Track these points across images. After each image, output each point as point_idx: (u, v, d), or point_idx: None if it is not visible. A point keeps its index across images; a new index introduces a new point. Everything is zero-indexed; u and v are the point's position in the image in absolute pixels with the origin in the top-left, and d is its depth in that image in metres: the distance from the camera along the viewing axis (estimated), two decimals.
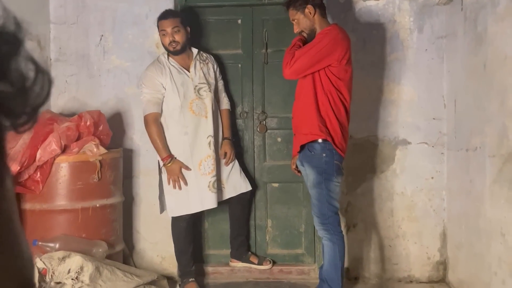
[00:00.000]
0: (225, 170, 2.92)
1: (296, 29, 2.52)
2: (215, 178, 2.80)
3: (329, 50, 2.36)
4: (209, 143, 2.80)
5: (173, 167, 2.74)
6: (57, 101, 3.15)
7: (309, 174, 2.43)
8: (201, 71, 2.87)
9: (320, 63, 2.37)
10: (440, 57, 2.98)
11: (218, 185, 2.84)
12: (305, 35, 2.51)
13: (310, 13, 2.44)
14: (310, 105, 2.41)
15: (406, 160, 3.01)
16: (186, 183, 2.77)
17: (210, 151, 2.80)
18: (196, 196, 2.79)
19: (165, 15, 2.80)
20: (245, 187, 2.97)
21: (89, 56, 3.16)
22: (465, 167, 2.66)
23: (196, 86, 2.82)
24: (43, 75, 0.39)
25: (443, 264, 2.98)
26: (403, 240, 3.01)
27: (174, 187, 2.76)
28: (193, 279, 2.85)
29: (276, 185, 3.21)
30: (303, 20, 2.47)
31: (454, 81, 2.84)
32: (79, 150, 2.59)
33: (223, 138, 2.93)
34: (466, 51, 2.64)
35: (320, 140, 2.39)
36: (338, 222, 2.40)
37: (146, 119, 2.77)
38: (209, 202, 2.80)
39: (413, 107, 3.01)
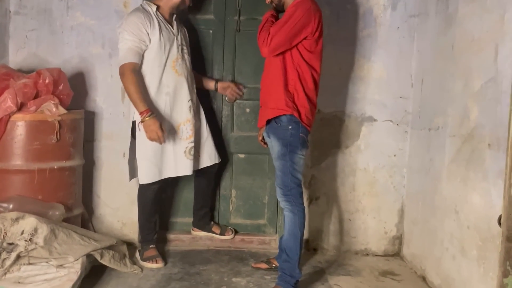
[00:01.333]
0: (202, 138, 2.86)
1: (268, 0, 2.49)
2: (192, 144, 2.72)
3: (304, 23, 2.32)
4: (190, 107, 2.71)
5: (152, 122, 2.47)
6: (16, 57, 2.99)
7: (274, 146, 2.43)
8: (181, 32, 2.79)
9: (297, 37, 2.33)
10: (411, 36, 2.99)
11: (194, 153, 2.77)
12: (274, 5, 2.48)
13: None
14: (278, 79, 2.39)
15: (371, 137, 3.05)
16: (164, 141, 2.56)
17: (189, 116, 2.70)
18: (170, 162, 2.68)
19: None
20: (217, 158, 2.95)
21: (52, 11, 2.99)
22: (426, 146, 2.72)
23: (179, 45, 2.70)
24: None
25: (398, 239, 3.09)
26: (362, 214, 3.08)
27: (161, 142, 2.53)
28: (154, 245, 2.83)
29: (242, 156, 3.19)
30: None
31: (423, 61, 2.87)
32: (37, 109, 2.48)
33: (217, 81, 2.98)
34: (436, 31, 2.66)
35: (287, 114, 2.38)
36: (300, 194, 2.42)
37: (123, 68, 2.49)
38: (184, 168, 2.71)
39: (381, 84, 3.03)
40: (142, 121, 2.49)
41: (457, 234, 2.27)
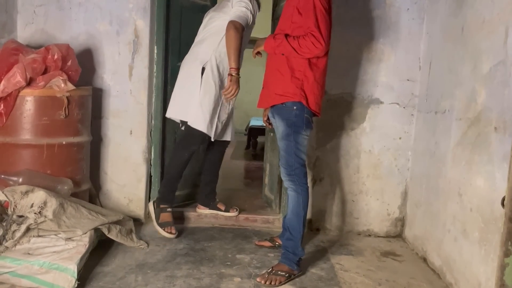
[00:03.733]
0: (230, 112, 2.98)
1: None
2: (227, 116, 2.94)
3: (327, 6, 2.30)
4: None
5: (238, 80, 2.75)
6: (24, 32, 3.00)
7: (278, 126, 2.43)
8: None
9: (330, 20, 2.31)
10: (420, 18, 2.96)
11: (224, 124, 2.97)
12: None
13: None
14: (284, 64, 2.35)
15: (377, 119, 3.06)
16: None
17: None
18: (218, 126, 2.87)
19: None
20: (233, 136, 3.12)
21: None
22: (432, 129, 2.73)
23: None
24: None
25: (401, 221, 3.12)
26: (366, 196, 3.11)
27: (232, 96, 2.78)
28: (171, 209, 2.85)
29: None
30: None
31: (432, 43, 2.85)
32: (46, 84, 2.49)
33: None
34: (447, 13, 2.63)
35: (294, 101, 2.35)
36: (304, 174, 2.44)
37: (237, 26, 2.68)
38: (227, 135, 3.01)
39: (389, 66, 3.02)
40: (231, 75, 2.71)
41: (459, 217, 2.29)
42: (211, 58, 2.80)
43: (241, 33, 2.69)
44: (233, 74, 2.71)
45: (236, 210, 3.16)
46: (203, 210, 3.17)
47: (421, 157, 2.90)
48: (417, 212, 2.91)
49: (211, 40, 2.82)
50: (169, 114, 2.97)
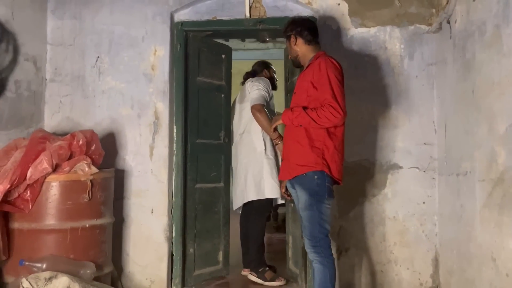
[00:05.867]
0: None
1: (289, 56, 2.68)
2: None
3: (341, 78, 2.42)
4: None
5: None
6: (51, 121, 3.17)
7: (300, 196, 2.42)
8: None
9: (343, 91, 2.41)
10: (430, 83, 3.04)
11: None
12: (292, 59, 2.65)
13: (293, 41, 2.56)
14: (302, 135, 2.39)
15: (398, 184, 3.02)
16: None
17: None
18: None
19: None
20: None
21: (85, 77, 3.19)
22: (456, 192, 2.67)
23: None
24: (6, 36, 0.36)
25: None
26: (395, 265, 2.99)
27: None
28: (267, 268, 3.28)
29: None
30: (289, 47, 2.62)
31: (444, 106, 2.89)
32: (71, 169, 2.58)
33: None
34: (455, 78, 2.70)
35: (316, 171, 2.37)
36: (329, 245, 2.38)
37: (258, 108, 3.18)
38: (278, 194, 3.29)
39: (404, 132, 3.04)
40: (277, 144, 3.11)
41: (496, 283, 2.17)
42: (264, 141, 3.31)
43: (264, 110, 3.19)
44: (278, 143, 3.07)
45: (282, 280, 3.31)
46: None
47: (448, 221, 2.81)
48: (451, 280, 2.76)
49: (256, 128, 3.31)
50: (239, 204, 3.39)
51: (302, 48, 2.54)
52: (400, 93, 3.06)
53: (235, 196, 3.44)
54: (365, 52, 3.08)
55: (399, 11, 3.08)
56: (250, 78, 3.48)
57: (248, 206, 3.37)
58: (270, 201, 3.35)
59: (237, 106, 3.49)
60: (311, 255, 2.39)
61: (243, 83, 3.56)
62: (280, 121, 2.51)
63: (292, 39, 2.56)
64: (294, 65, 2.66)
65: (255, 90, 3.28)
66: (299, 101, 2.47)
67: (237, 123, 3.47)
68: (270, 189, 3.26)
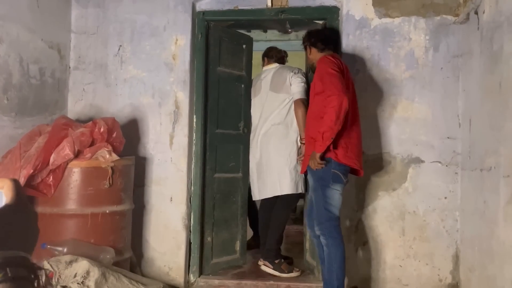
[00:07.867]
0: None
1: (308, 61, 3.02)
2: None
3: (334, 66, 2.56)
4: None
5: None
6: (74, 108, 3.22)
7: (309, 181, 2.68)
8: None
9: (342, 77, 2.55)
10: (455, 76, 2.96)
11: None
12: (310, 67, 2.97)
13: (309, 51, 2.89)
14: (316, 131, 2.57)
15: (419, 178, 2.97)
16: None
17: None
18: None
19: None
20: None
21: (107, 65, 3.23)
22: (479, 188, 2.61)
23: None
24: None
25: (455, 287, 2.90)
26: (414, 260, 2.94)
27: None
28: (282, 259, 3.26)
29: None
30: (306, 56, 2.96)
31: (470, 100, 2.81)
32: (92, 156, 2.62)
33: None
34: (482, 70, 2.62)
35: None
36: (335, 227, 2.51)
37: (300, 102, 3.13)
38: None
39: (427, 125, 2.98)
40: (303, 143, 3.09)
41: None
42: (297, 137, 3.24)
43: (305, 105, 3.08)
44: (303, 142, 3.05)
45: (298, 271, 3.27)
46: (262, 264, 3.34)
47: (470, 217, 2.75)
48: (472, 277, 2.70)
49: (293, 123, 3.21)
50: (269, 195, 3.30)
51: (316, 56, 2.81)
52: (424, 85, 2.99)
53: (263, 186, 3.30)
54: (388, 43, 3.02)
55: (424, 1, 3.00)
56: (287, 67, 3.40)
57: (274, 197, 3.31)
58: (300, 195, 3.35)
59: (270, 94, 3.29)
60: (318, 233, 2.56)
61: (264, 64, 3.51)
62: (318, 156, 2.56)
63: (308, 49, 2.88)
64: (312, 70, 2.91)
65: (299, 82, 3.19)
66: (311, 101, 2.76)
67: (269, 112, 3.27)
68: (304, 185, 3.26)
